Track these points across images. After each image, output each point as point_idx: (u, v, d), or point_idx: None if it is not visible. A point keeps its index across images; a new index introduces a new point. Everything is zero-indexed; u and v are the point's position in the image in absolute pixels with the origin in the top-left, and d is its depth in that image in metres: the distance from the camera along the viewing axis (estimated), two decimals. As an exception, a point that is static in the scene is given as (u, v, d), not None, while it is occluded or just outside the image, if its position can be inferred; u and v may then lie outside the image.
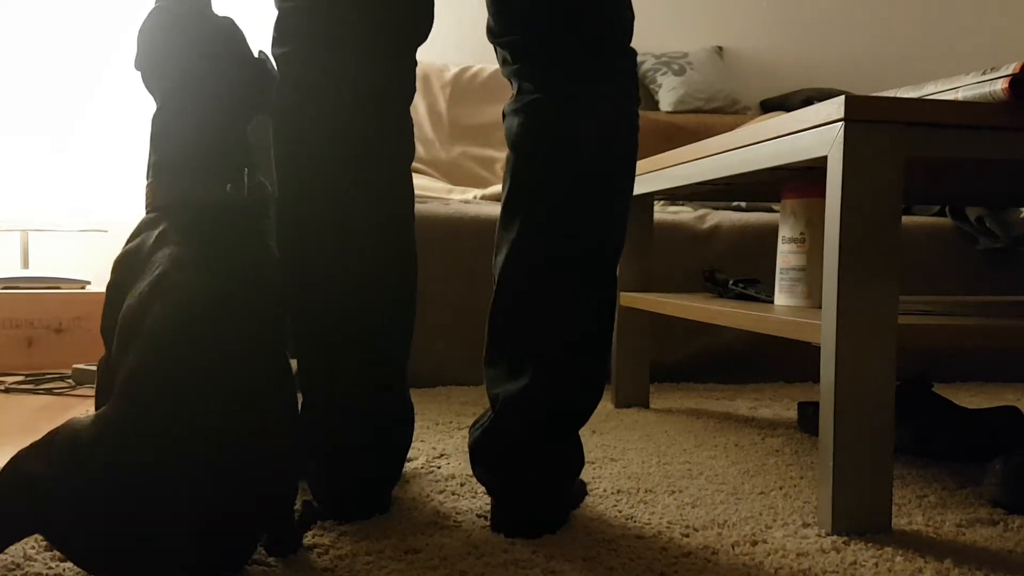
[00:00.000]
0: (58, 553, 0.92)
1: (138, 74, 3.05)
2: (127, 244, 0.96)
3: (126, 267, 0.94)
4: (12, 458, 0.83)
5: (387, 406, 1.09)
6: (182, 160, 0.96)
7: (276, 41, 1.07)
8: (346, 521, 1.05)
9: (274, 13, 1.11)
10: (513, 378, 1.03)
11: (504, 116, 1.07)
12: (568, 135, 1.02)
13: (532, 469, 1.02)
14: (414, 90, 1.12)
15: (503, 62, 1.08)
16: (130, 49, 3.04)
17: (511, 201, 1.05)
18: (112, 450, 0.79)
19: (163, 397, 0.81)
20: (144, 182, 3.01)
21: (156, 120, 0.99)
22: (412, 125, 1.11)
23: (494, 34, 1.07)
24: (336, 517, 1.05)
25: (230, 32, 1.01)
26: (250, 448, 0.84)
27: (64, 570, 0.88)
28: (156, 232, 0.94)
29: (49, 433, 0.84)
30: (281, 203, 1.07)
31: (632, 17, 1.06)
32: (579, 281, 1.03)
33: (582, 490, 1.17)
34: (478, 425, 1.06)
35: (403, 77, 1.10)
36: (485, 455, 1.04)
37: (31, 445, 0.83)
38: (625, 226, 1.07)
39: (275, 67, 1.06)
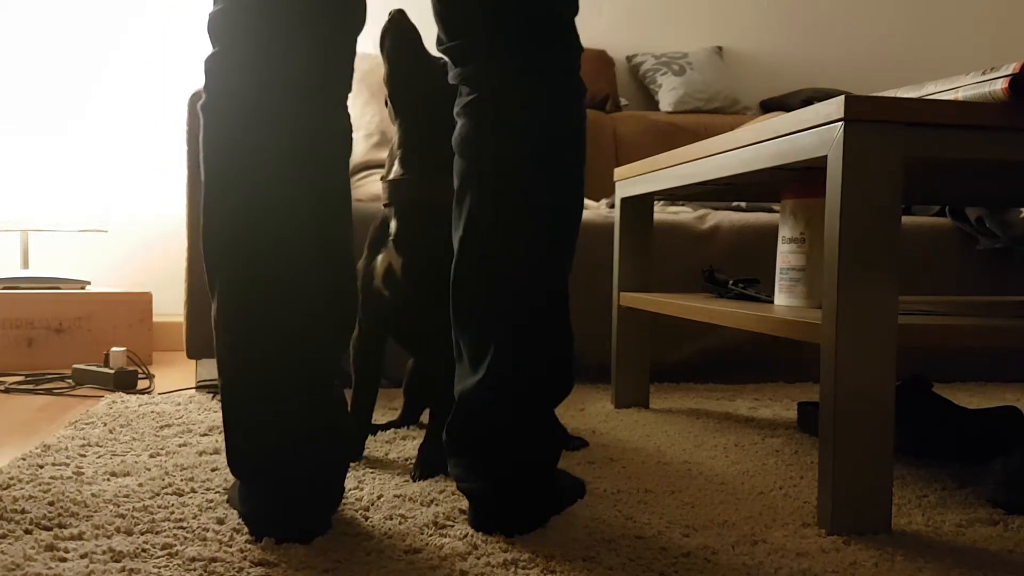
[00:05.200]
0: (58, 553, 0.92)
1: (162, 77, 3.04)
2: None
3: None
4: None
5: (321, 422, 1.02)
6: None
7: (211, 45, 1.02)
8: (282, 541, 0.97)
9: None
10: (474, 371, 1.05)
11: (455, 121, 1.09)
12: (507, 131, 1.03)
13: (497, 459, 1.03)
14: (350, 87, 1.06)
15: (449, 69, 1.09)
16: (130, 49, 3.04)
17: (458, 200, 1.06)
18: None
19: None
20: (143, 181, 3.01)
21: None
22: (349, 120, 1.06)
23: (440, 42, 1.09)
24: (272, 535, 0.98)
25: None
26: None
27: (64, 570, 0.88)
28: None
29: None
30: (209, 203, 1.00)
31: (572, 11, 1.06)
32: (527, 272, 1.04)
33: (580, 489, 1.17)
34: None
35: (337, 71, 1.04)
36: (453, 450, 1.05)
37: None
38: (578, 218, 1.07)
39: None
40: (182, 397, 1.93)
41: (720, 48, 3.40)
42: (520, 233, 1.03)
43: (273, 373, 0.99)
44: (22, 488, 1.15)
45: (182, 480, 1.21)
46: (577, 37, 1.08)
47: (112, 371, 2.08)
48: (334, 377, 1.04)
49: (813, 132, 1.09)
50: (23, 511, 1.05)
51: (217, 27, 1.00)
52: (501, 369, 1.03)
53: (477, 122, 1.05)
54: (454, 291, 1.06)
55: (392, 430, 1.58)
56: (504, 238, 1.03)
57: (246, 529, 1.01)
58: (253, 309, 0.99)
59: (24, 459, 1.31)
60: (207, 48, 3.07)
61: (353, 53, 1.06)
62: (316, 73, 1.01)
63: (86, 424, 1.59)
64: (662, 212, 2.42)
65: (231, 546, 0.96)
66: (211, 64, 1.00)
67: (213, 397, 1.93)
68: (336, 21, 1.03)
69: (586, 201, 2.59)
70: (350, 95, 1.14)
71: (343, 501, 1.13)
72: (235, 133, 0.99)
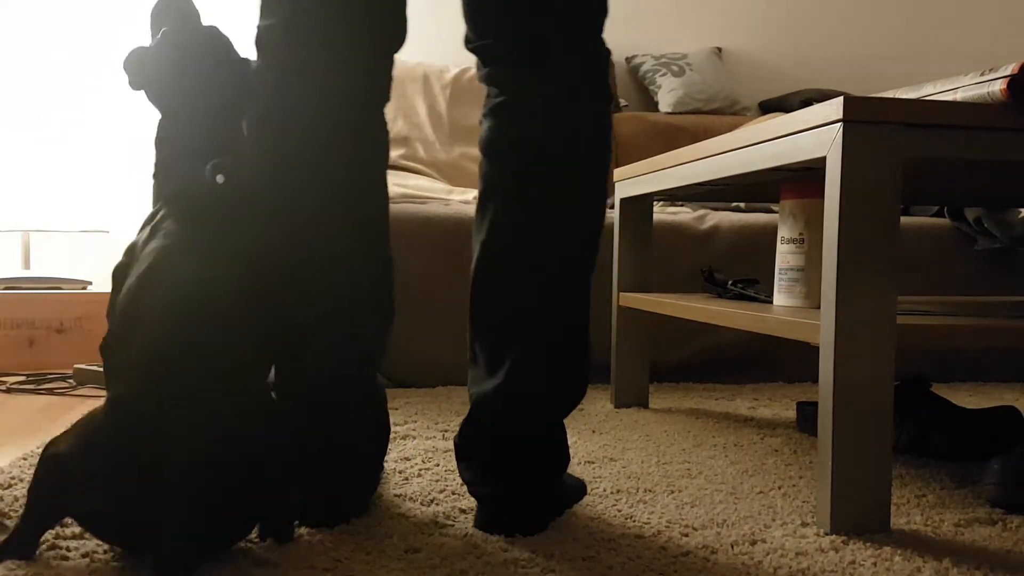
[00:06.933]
0: (59, 552, 0.92)
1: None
2: (137, 234, 1.02)
3: (129, 256, 1.00)
4: (49, 442, 0.90)
5: (364, 410, 1.09)
6: (180, 158, 1.02)
7: (257, 56, 1.09)
8: (319, 526, 1.03)
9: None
10: (490, 376, 1.05)
11: (480, 122, 1.10)
12: (531, 136, 1.04)
13: (509, 466, 1.03)
14: (388, 97, 1.12)
15: (477, 68, 1.10)
16: (131, 48, 3.04)
17: (482, 203, 1.07)
18: (120, 429, 0.86)
19: (160, 382, 0.87)
20: (147, 181, 3.02)
21: (160, 126, 1.05)
22: (387, 131, 1.12)
23: (468, 41, 1.09)
24: (312, 523, 1.04)
25: (219, 41, 1.07)
26: (242, 429, 0.89)
27: (64, 570, 0.88)
28: (152, 224, 0.99)
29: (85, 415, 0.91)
30: (258, 204, 1.07)
31: (602, 18, 1.07)
32: (549, 280, 1.04)
33: (581, 489, 1.17)
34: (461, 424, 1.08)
35: (379, 85, 1.10)
36: (464, 453, 1.05)
37: (66, 431, 0.90)
38: (600, 225, 1.08)
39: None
40: (183, 397, 1.93)
41: (719, 49, 3.40)
42: (542, 242, 1.04)
43: (320, 365, 1.05)
44: (24, 488, 1.16)
45: (183, 480, 1.22)
46: (603, 44, 1.08)
47: (113, 371, 2.08)
48: (375, 370, 1.10)
49: (812, 133, 1.09)
50: (25, 511, 1.06)
51: (269, 42, 1.07)
52: (518, 376, 1.03)
53: (501, 125, 1.06)
54: (474, 294, 1.07)
55: (392, 431, 1.59)
56: (526, 246, 1.04)
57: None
58: (296, 296, 1.05)
59: (25, 459, 1.31)
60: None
61: (392, 66, 1.12)
62: (366, 84, 1.08)
63: (87, 424, 1.59)
64: (662, 212, 2.42)
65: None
66: (264, 77, 1.06)
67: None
68: (382, 37, 1.10)
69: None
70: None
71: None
72: (289, 143, 1.05)
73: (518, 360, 1.03)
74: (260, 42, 1.07)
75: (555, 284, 1.04)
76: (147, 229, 0.99)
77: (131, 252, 0.99)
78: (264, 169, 1.05)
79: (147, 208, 3.08)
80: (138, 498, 0.83)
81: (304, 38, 1.05)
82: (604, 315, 2.21)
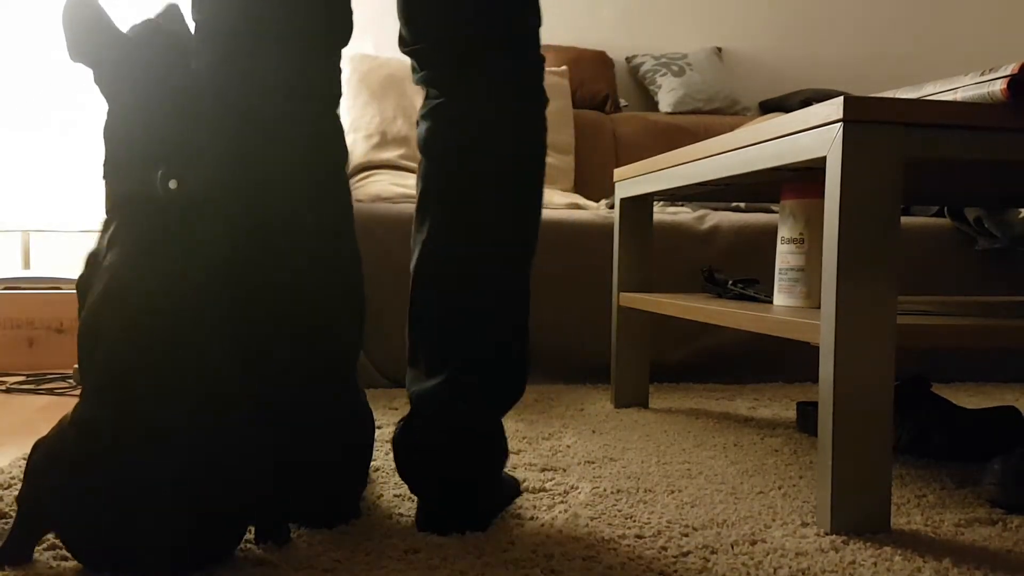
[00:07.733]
0: (60, 552, 0.92)
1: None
2: (97, 240, 0.98)
3: (91, 268, 0.97)
4: (33, 445, 0.89)
5: (343, 408, 1.08)
6: (131, 156, 0.97)
7: (200, 46, 1.06)
8: (313, 528, 1.03)
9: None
10: (429, 377, 1.05)
11: (417, 124, 1.10)
12: (467, 137, 1.04)
13: (447, 467, 1.03)
14: (340, 93, 1.11)
15: (413, 70, 1.10)
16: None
17: (420, 204, 1.07)
18: (91, 454, 0.84)
19: (130, 401, 0.86)
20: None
21: (110, 117, 0.99)
22: (341, 128, 1.10)
23: (404, 43, 1.09)
24: (307, 523, 1.04)
25: (185, 36, 1.03)
26: (214, 437, 0.87)
27: (65, 570, 0.88)
28: (108, 234, 0.96)
29: (55, 426, 0.89)
30: (216, 208, 1.04)
31: (537, 23, 1.08)
32: (487, 281, 1.05)
33: (516, 488, 1.18)
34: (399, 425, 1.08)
35: (327, 81, 1.09)
36: (402, 454, 1.05)
37: (46, 440, 0.89)
38: (536, 223, 1.09)
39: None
40: (183, 397, 1.93)
41: (719, 49, 3.40)
42: (480, 243, 1.05)
43: (299, 366, 1.04)
44: (23, 488, 1.16)
45: (183, 480, 1.22)
46: (539, 48, 1.09)
47: (113, 371, 2.08)
48: (353, 367, 1.09)
49: (812, 133, 1.09)
50: (24, 511, 1.06)
51: (219, 33, 1.04)
52: (459, 378, 1.04)
53: (439, 127, 1.06)
54: (413, 295, 1.07)
55: (391, 431, 1.58)
56: (464, 248, 1.04)
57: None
58: (265, 298, 1.04)
59: (25, 459, 1.31)
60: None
61: (339, 59, 1.11)
62: (307, 79, 1.06)
63: (87, 424, 1.59)
64: (662, 212, 2.42)
65: (232, 546, 0.96)
66: (215, 72, 1.04)
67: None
68: (334, 31, 1.08)
69: (586, 201, 2.60)
70: (350, 95, 1.15)
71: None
72: (247, 144, 1.03)
73: (458, 362, 1.04)
74: (205, 33, 1.04)
75: (493, 285, 1.05)
76: (105, 237, 0.96)
77: (92, 263, 0.96)
78: (222, 171, 1.03)
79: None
80: (101, 519, 0.83)
81: (255, 31, 1.03)
82: (604, 315, 2.21)
